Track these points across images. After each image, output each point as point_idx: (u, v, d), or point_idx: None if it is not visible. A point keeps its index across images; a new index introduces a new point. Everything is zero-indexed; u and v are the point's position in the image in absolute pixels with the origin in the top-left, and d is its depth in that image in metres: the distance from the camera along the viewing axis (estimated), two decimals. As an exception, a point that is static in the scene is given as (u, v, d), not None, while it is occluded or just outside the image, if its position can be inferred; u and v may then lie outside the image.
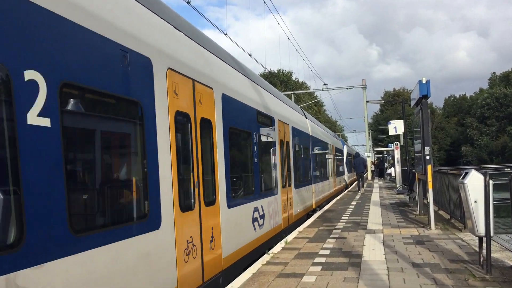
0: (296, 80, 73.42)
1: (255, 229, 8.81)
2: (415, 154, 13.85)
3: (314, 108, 70.22)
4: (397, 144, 28.98)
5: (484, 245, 6.42)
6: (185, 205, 5.62)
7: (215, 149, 6.79)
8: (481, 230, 6.37)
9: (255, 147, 9.16)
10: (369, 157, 51.43)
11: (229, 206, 7.30)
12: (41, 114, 3.30)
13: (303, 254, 8.30)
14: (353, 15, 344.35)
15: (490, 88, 78.27)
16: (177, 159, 5.41)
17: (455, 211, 11.32)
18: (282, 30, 56.61)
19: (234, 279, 6.83)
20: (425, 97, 10.68)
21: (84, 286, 3.59)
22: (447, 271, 6.61)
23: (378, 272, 6.69)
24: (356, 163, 25.84)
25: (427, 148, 10.70)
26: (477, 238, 6.84)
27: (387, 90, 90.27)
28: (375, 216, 13.53)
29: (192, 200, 5.88)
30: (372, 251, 8.26)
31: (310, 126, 17.62)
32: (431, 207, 10.64)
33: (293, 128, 13.44)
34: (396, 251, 8.20)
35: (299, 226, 12.45)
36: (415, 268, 6.84)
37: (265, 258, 8.15)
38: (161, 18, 5.65)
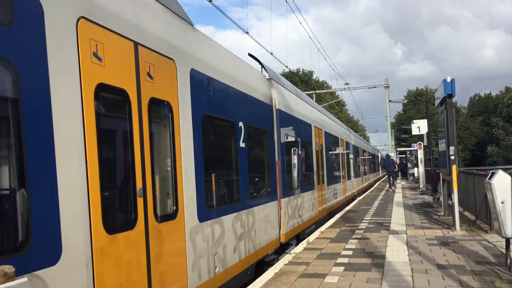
0: (317, 79, 73.09)
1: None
2: (440, 155, 13.66)
3: (336, 107, 69.73)
4: (421, 144, 28.63)
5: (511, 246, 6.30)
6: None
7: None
8: (508, 232, 6.25)
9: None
10: (392, 157, 50.95)
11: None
12: None
13: (326, 255, 8.27)
14: (376, 13, 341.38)
15: (517, 87, 76.45)
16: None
17: (480, 212, 11.11)
18: (304, 29, 56.54)
19: None
20: (450, 96, 10.54)
21: None
22: (473, 273, 6.50)
23: (402, 273, 6.62)
24: (386, 163, 29.26)
25: (452, 148, 10.55)
26: (503, 239, 6.71)
27: (410, 89, 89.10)
28: (398, 217, 13.38)
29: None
30: (396, 252, 8.19)
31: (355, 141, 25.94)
32: (456, 208, 10.47)
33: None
34: (420, 252, 8.10)
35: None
36: (440, 270, 6.75)
37: (287, 258, 8.15)
38: None
